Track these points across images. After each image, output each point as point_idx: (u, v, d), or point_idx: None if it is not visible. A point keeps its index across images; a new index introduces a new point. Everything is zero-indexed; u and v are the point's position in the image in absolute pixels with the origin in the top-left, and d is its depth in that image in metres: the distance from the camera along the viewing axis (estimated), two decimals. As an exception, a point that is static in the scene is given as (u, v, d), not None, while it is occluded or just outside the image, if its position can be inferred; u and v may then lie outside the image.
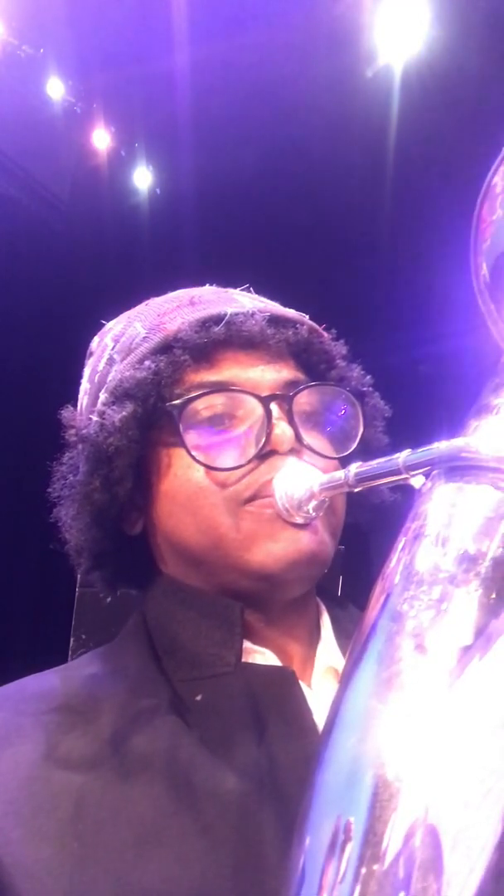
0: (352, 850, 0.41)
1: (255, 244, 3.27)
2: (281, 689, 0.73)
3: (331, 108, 3.01)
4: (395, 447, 0.58)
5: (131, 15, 2.96)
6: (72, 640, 2.85)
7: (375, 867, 0.40)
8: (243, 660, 0.75)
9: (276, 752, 0.68)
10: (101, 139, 3.53)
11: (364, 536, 0.88)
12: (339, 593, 0.90)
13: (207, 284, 0.88)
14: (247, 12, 2.90)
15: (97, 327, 0.90)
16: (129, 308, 0.88)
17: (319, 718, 0.71)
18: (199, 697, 0.73)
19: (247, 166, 3.12)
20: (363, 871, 0.41)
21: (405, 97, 2.99)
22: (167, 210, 3.62)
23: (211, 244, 3.26)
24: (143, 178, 3.69)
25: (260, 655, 0.77)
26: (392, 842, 0.40)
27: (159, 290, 0.89)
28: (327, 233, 3.28)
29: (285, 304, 0.88)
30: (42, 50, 3.22)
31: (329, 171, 3.15)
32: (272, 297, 0.89)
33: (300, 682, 0.75)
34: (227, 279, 0.91)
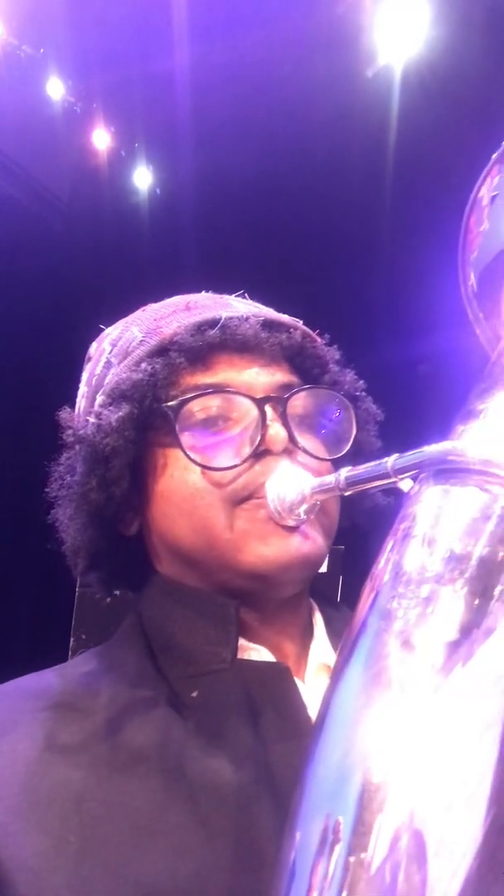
0: (341, 850, 0.42)
1: (254, 244, 3.28)
2: (276, 684, 0.74)
3: (331, 108, 3.01)
4: (397, 446, 0.58)
5: (131, 15, 2.96)
6: (72, 640, 2.86)
7: (362, 871, 0.41)
8: (238, 656, 0.76)
9: (271, 746, 0.70)
10: (101, 139, 3.54)
11: (364, 537, 0.89)
12: (339, 594, 0.91)
13: (206, 285, 0.89)
14: (246, 12, 2.90)
15: (97, 327, 0.91)
16: (128, 307, 0.89)
17: (313, 713, 0.71)
18: (195, 694, 0.74)
19: (247, 166, 3.12)
20: (351, 872, 0.41)
21: (405, 97, 2.99)
22: (167, 210, 3.63)
23: (210, 244, 3.27)
24: (143, 178, 3.70)
25: (255, 652, 0.78)
26: (378, 846, 0.41)
27: (159, 289, 0.90)
28: (327, 233, 3.28)
29: (285, 304, 0.89)
30: (42, 50, 3.22)
31: (329, 171, 3.15)
32: (271, 297, 0.90)
33: (294, 677, 0.76)
34: (227, 279, 0.91)
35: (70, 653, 2.80)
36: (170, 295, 0.88)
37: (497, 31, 2.70)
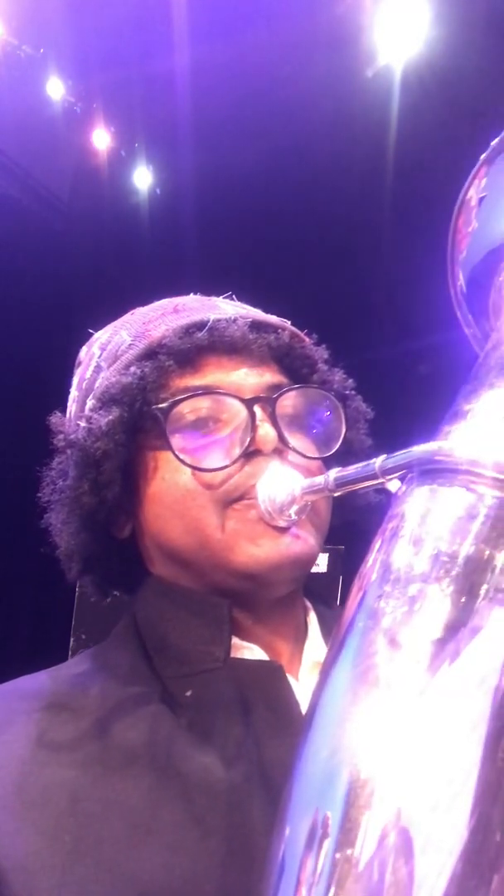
0: (329, 846, 0.42)
1: (254, 244, 3.28)
2: (269, 682, 0.75)
3: (331, 108, 3.01)
4: (397, 446, 0.58)
5: (131, 15, 2.97)
6: (72, 640, 2.88)
7: (350, 868, 0.41)
8: (232, 655, 0.76)
9: (264, 743, 0.70)
10: (101, 139, 3.54)
11: (364, 537, 0.89)
12: (339, 593, 0.91)
13: (206, 285, 0.90)
14: (247, 12, 2.90)
15: (96, 327, 0.91)
16: (128, 307, 0.90)
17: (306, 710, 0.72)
18: (188, 693, 0.74)
19: (247, 166, 3.12)
20: (338, 869, 0.42)
21: (405, 97, 2.99)
22: (167, 210, 3.63)
23: (210, 244, 3.27)
24: (143, 178, 3.71)
25: (248, 651, 0.78)
26: (366, 843, 0.41)
27: (159, 289, 0.90)
28: (326, 232, 3.28)
29: (284, 303, 0.89)
30: (42, 50, 3.23)
31: (329, 171, 3.16)
32: (271, 297, 0.90)
33: (288, 675, 0.76)
34: (227, 278, 0.91)
35: (70, 653, 2.81)
36: (170, 295, 0.88)
37: (497, 31, 2.71)
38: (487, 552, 0.46)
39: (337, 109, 3.02)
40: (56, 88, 3.36)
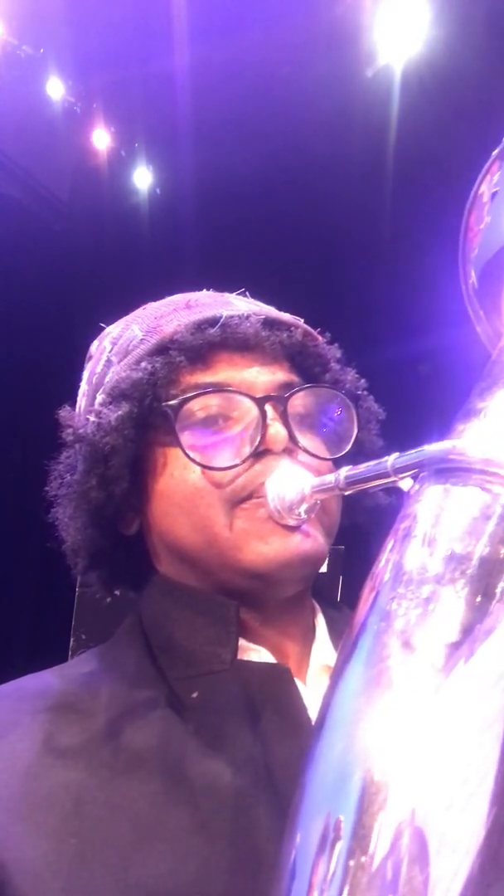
0: (341, 849, 0.42)
1: (254, 244, 3.28)
2: (276, 685, 0.74)
3: (331, 108, 3.01)
4: (396, 446, 0.58)
5: (131, 15, 2.97)
6: (72, 640, 2.87)
7: (363, 870, 0.41)
8: (238, 657, 0.75)
9: (271, 748, 0.70)
10: (101, 139, 3.54)
11: (364, 537, 0.89)
12: (339, 594, 0.90)
13: (207, 285, 0.89)
14: (246, 12, 2.90)
15: (97, 326, 0.91)
16: (128, 308, 0.89)
17: (315, 714, 0.71)
18: (195, 695, 0.73)
19: (247, 166, 3.12)
20: (351, 872, 0.41)
21: (405, 97, 2.99)
22: (167, 210, 3.64)
23: (211, 244, 3.27)
24: (143, 178, 3.71)
25: (255, 653, 0.77)
26: (380, 843, 0.41)
27: (159, 289, 0.90)
28: (327, 232, 3.29)
29: (285, 304, 0.88)
30: (42, 50, 3.23)
31: (329, 171, 3.16)
32: (271, 297, 0.90)
33: (295, 678, 0.75)
34: (227, 279, 0.91)
35: (70, 653, 2.80)
36: (170, 295, 0.88)
37: (497, 31, 2.71)
38: (502, 553, 0.46)
39: (337, 109, 3.01)
40: (56, 88, 3.36)
